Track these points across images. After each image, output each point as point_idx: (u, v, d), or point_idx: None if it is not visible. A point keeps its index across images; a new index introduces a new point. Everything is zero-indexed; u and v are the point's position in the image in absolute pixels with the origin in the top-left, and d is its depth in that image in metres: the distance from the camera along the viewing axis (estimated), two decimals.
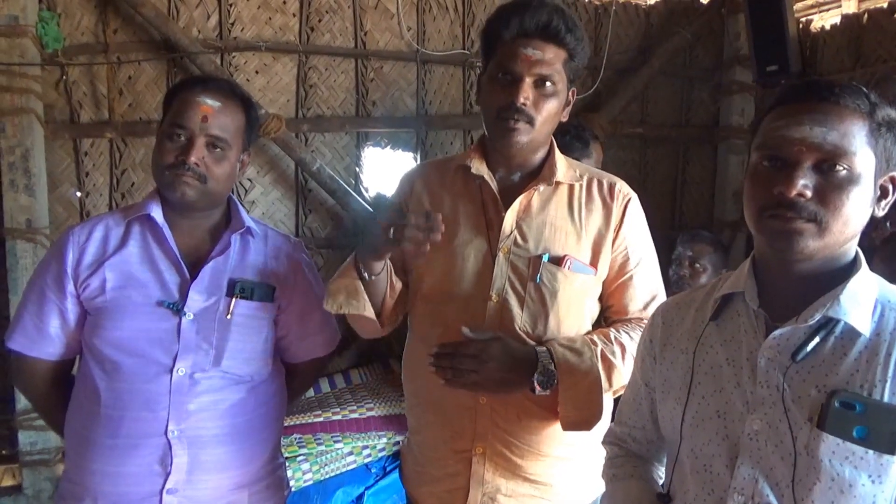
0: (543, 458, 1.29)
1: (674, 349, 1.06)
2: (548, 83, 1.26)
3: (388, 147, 2.93)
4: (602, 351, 1.28)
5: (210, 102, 1.31)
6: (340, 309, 1.29)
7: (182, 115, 1.30)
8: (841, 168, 0.86)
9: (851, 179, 0.86)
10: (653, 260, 1.40)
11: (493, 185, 1.35)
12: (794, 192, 0.86)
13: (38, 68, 2.53)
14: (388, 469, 2.42)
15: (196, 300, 1.32)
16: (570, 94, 1.34)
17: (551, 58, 1.26)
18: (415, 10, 2.91)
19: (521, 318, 1.30)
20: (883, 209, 0.93)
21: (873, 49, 2.70)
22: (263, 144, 2.76)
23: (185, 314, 1.30)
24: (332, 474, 2.33)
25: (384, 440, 2.42)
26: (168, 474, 1.28)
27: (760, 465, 0.89)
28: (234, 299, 1.34)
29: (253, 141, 1.46)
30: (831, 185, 0.86)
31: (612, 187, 1.37)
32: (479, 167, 1.35)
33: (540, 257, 1.30)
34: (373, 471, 2.40)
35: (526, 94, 1.25)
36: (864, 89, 0.91)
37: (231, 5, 2.73)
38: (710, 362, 0.99)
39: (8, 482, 2.73)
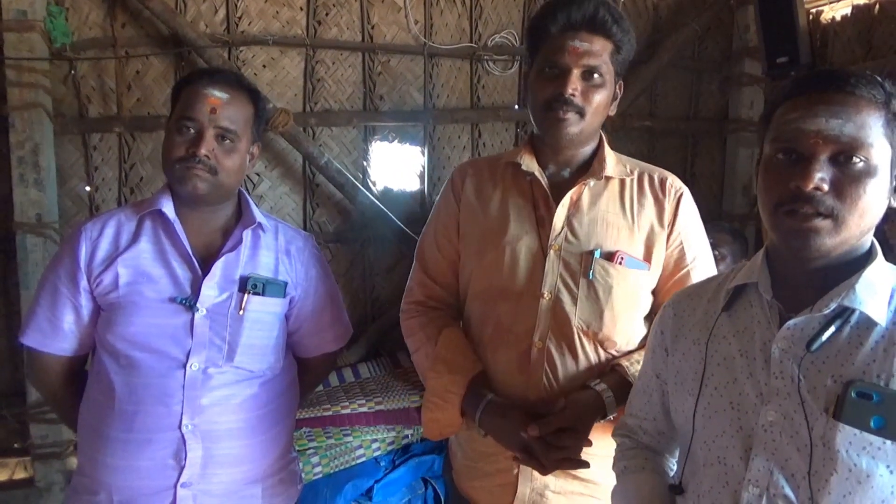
0: (591, 457, 1.25)
1: (686, 340, 1.05)
2: (595, 75, 1.26)
3: (396, 141, 2.92)
4: None
5: (218, 94, 1.31)
6: (440, 437, 1.40)
7: (190, 107, 1.30)
8: (858, 160, 0.85)
9: (868, 171, 0.86)
10: (709, 255, 1.39)
11: (544, 181, 1.34)
12: (811, 186, 0.85)
13: (47, 63, 2.53)
14: (396, 462, 2.42)
15: (208, 296, 1.32)
16: (616, 86, 1.33)
17: (598, 49, 1.26)
18: (422, 4, 2.90)
19: (575, 316, 1.29)
20: None
21: (885, 40, 2.67)
22: (271, 139, 2.76)
23: (197, 310, 1.30)
24: (342, 468, 2.33)
25: (393, 434, 2.42)
26: (182, 468, 1.28)
27: (775, 457, 0.88)
28: (246, 295, 1.34)
29: (262, 133, 1.46)
30: (848, 178, 0.86)
31: (663, 182, 1.36)
32: (529, 164, 1.35)
33: (591, 253, 1.29)
34: (382, 464, 2.40)
35: (574, 85, 1.24)
36: (879, 79, 0.90)
37: None
38: (723, 353, 0.98)
39: (20, 475, 2.76)
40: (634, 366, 1.28)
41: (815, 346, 0.88)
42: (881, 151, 0.86)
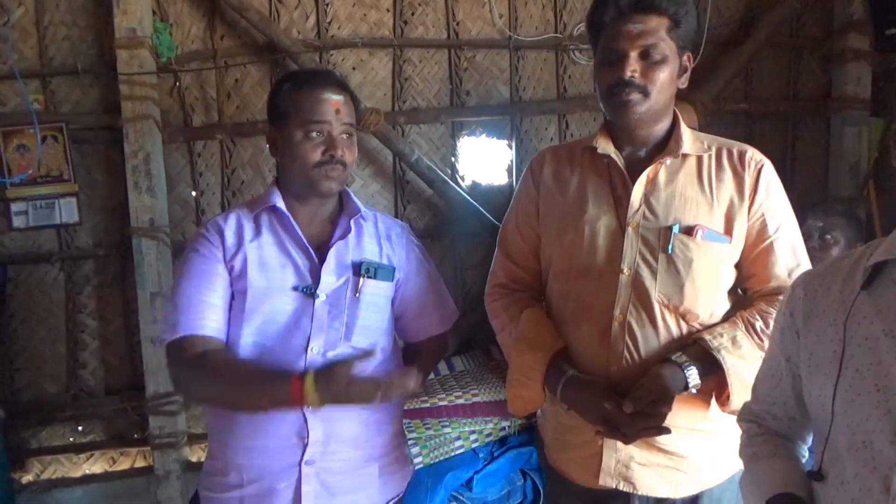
0: (677, 429, 1.28)
1: (820, 321, 1.01)
2: (653, 52, 1.29)
3: (483, 135, 2.93)
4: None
5: (336, 96, 1.40)
6: (525, 413, 1.47)
7: (317, 113, 1.38)
8: None
9: None
10: (793, 226, 1.37)
11: (620, 161, 1.38)
12: None
13: (155, 76, 2.70)
14: (495, 454, 2.43)
15: (328, 282, 1.39)
16: (683, 59, 1.35)
17: (653, 27, 1.29)
18: None
19: (655, 290, 1.31)
20: None
21: None
22: (362, 138, 2.82)
23: (317, 296, 1.37)
24: (442, 458, 2.37)
25: (490, 425, 2.44)
26: (305, 446, 1.35)
27: None
28: (361, 279, 1.41)
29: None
30: None
31: (742, 155, 1.37)
32: (605, 146, 1.39)
33: (670, 228, 1.31)
34: (480, 455, 2.42)
35: (632, 67, 1.28)
36: None
37: (328, 5, 2.81)
38: (864, 334, 0.94)
39: (140, 464, 2.95)
40: (717, 339, 1.28)
41: None
42: None
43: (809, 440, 1.12)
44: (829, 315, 1.00)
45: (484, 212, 2.83)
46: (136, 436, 2.91)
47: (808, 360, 1.02)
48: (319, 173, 1.38)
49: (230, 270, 1.39)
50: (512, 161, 2.94)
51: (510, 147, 2.94)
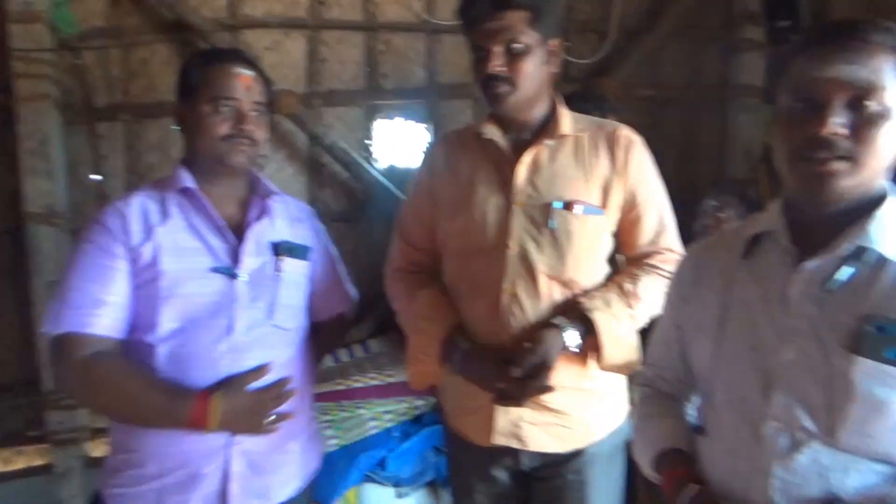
0: (562, 389, 1.39)
1: (705, 288, 1.08)
2: (514, 45, 1.35)
3: (400, 118, 2.94)
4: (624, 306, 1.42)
5: (247, 72, 1.40)
6: (425, 387, 1.56)
7: (227, 88, 1.36)
8: (873, 104, 0.87)
9: (883, 115, 0.88)
10: (661, 195, 1.50)
11: (504, 144, 1.46)
12: (826, 131, 0.88)
13: (53, 54, 2.54)
14: (409, 433, 2.46)
15: (249, 262, 1.38)
16: (550, 46, 1.43)
17: (512, 22, 1.35)
18: None
19: (541, 262, 1.41)
20: None
21: (888, 1, 2.66)
22: (276, 121, 2.77)
23: (239, 276, 1.36)
24: (356, 439, 2.37)
25: (405, 405, 2.45)
26: None
27: (795, 393, 0.91)
28: (280, 258, 1.42)
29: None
30: (864, 122, 0.88)
31: (614, 133, 1.47)
32: (491, 131, 1.47)
33: (550, 204, 1.41)
34: (395, 435, 2.43)
35: (494, 62, 1.35)
36: (891, 26, 0.92)
37: None
38: (742, 299, 1.01)
39: (38, 462, 2.78)
40: (591, 301, 1.39)
41: (830, 285, 0.91)
42: (895, 94, 0.88)
43: (696, 400, 1.19)
44: (713, 283, 1.07)
45: (400, 195, 2.83)
46: (31, 433, 2.75)
47: (693, 326, 1.09)
48: (226, 146, 1.36)
49: (136, 259, 1.32)
50: (429, 144, 2.95)
51: (427, 130, 2.95)
